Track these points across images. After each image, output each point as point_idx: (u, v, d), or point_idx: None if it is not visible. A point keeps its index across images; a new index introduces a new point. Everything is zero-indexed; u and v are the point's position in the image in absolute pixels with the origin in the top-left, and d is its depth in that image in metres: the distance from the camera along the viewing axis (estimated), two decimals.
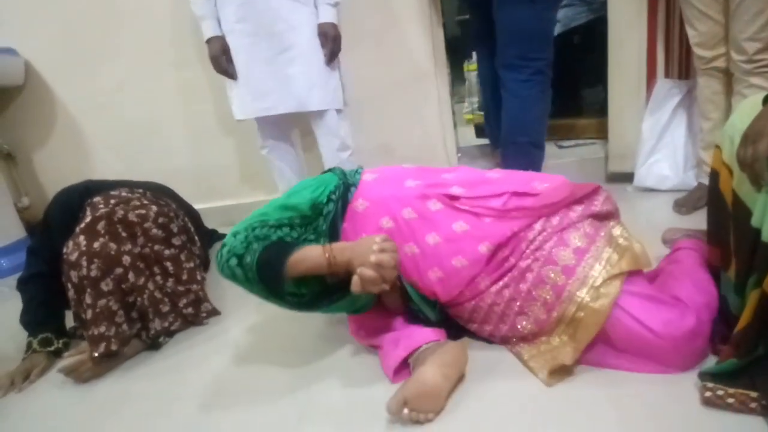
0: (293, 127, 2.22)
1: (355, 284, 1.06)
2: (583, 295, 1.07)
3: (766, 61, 1.55)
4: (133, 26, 2.29)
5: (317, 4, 1.88)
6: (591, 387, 1.07)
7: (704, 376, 1.01)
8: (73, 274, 1.41)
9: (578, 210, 1.16)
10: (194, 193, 2.11)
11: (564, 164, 2.25)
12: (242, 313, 1.64)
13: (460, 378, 1.13)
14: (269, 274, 1.11)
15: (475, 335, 1.25)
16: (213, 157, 2.45)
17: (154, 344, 1.51)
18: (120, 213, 1.52)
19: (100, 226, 1.48)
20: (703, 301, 1.10)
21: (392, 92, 2.15)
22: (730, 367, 0.97)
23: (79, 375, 1.39)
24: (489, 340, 1.24)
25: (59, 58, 2.36)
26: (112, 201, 1.59)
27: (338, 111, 2.00)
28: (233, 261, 1.12)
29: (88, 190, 1.68)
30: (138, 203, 1.61)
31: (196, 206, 2.08)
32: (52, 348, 1.52)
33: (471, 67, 3.84)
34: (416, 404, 1.03)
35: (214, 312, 1.66)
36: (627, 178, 2.11)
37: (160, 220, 1.60)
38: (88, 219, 1.51)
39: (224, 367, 1.39)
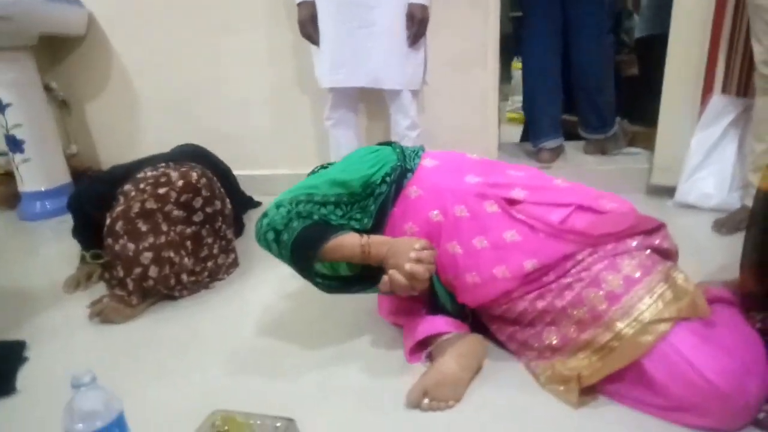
0: (365, 100, 2.24)
1: (384, 285, 1.06)
2: (624, 326, 0.99)
3: None
4: None
5: None
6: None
7: None
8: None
9: (637, 239, 1.08)
10: (234, 158, 2.14)
11: (607, 171, 2.22)
12: (273, 279, 1.68)
13: (478, 369, 1.14)
14: (303, 255, 1.11)
15: (493, 336, 1.22)
16: (259, 125, 2.49)
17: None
18: (137, 207, 1.52)
19: (119, 226, 1.51)
20: (755, 358, 0.96)
21: (441, 80, 2.15)
22: None
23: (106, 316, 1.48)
24: (505, 344, 1.20)
25: (123, 12, 2.42)
26: (141, 185, 1.59)
27: (414, 92, 2.02)
28: (270, 235, 1.12)
29: (117, 177, 1.69)
30: (164, 180, 1.60)
31: (236, 172, 2.13)
32: (101, 261, 1.69)
33: (518, 65, 3.80)
34: (436, 393, 1.04)
35: (234, 264, 1.77)
36: (669, 192, 2.07)
37: (183, 198, 1.60)
38: (111, 217, 1.53)
39: (247, 329, 1.43)
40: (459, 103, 2.26)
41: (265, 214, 1.15)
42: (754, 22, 1.66)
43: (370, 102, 2.27)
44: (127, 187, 1.61)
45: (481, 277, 1.12)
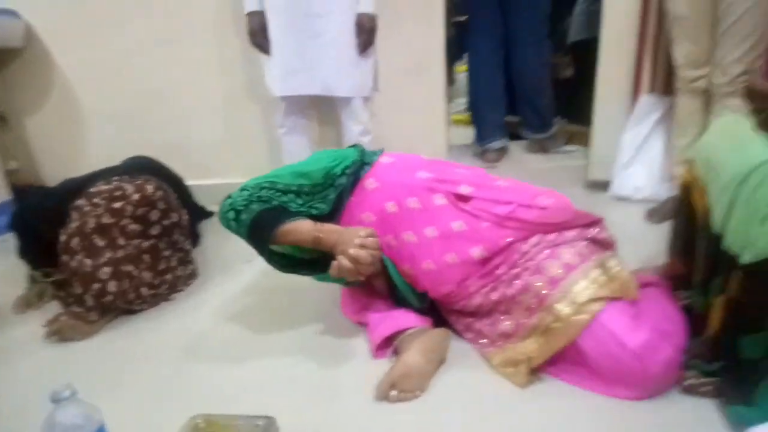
0: (317, 108, 2.28)
1: (333, 269, 1.14)
2: (562, 307, 1.10)
3: (744, 83, 1.66)
4: None
5: None
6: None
7: (690, 366, 1.09)
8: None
9: (576, 231, 1.20)
10: (186, 169, 2.13)
11: (548, 168, 2.36)
12: (233, 288, 1.70)
13: (442, 362, 1.22)
14: (258, 235, 1.20)
15: (452, 326, 1.31)
16: (209, 134, 2.47)
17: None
18: (92, 222, 1.51)
19: (74, 243, 1.49)
20: (676, 333, 1.11)
21: (390, 85, 2.21)
22: (715, 368, 1.07)
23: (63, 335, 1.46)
24: (461, 333, 1.30)
25: (65, 23, 2.34)
26: (95, 200, 1.56)
27: (365, 98, 2.07)
28: (231, 214, 1.22)
29: (69, 192, 1.65)
30: (119, 194, 1.58)
31: (188, 183, 2.12)
32: (52, 279, 1.63)
33: (461, 69, 3.93)
34: (403, 385, 1.11)
35: (193, 275, 1.76)
36: (605, 185, 2.22)
37: (139, 211, 1.58)
38: (66, 234, 1.51)
39: (211, 336, 1.45)
40: (409, 108, 2.34)
41: (229, 196, 1.25)
42: (673, 29, 1.82)
43: (322, 109, 2.31)
44: (80, 202, 1.58)
45: (436, 264, 1.23)
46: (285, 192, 1.25)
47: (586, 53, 2.58)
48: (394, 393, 1.11)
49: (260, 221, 1.19)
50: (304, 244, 1.20)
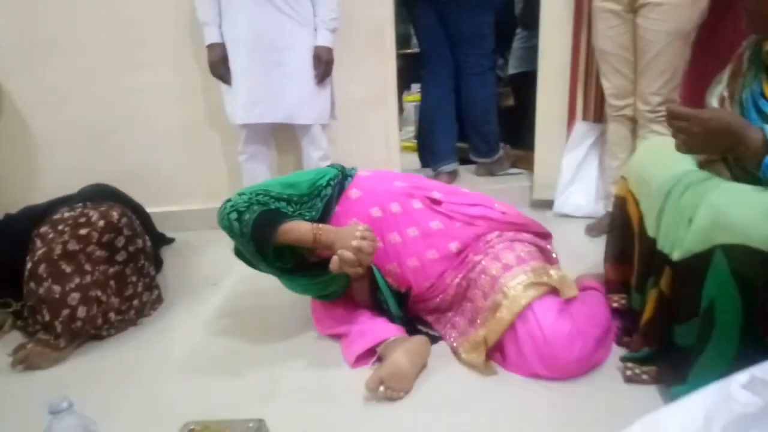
0: (276, 135, 2.35)
1: (334, 263, 1.22)
2: (509, 288, 1.27)
3: (665, 112, 1.89)
4: (99, 22, 2.28)
5: (317, 26, 2.04)
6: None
7: (625, 359, 1.27)
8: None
9: (530, 235, 1.43)
10: (145, 196, 2.14)
11: (496, 189, 2.52)
12: (199, 312, 1.72)
13: (424, 366, 1.31)
14: (261, 233, 1.26)
15: (431, 326, 1.45)
16: (169, 162, 2.48)
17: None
18: (59, 249, 1.50)
19: (41, 270, 1.48)
20: (594, 332, 1.28)
21: (347, 113, 2.32)
22: (644, 354, 1.24)
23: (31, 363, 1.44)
24: (441, 331, 1.43)
25: (17, 48, 2.29)
26: (60, 227, 1.56)
27: (323, 125, 2.18)
28: (233, 215, 1.27)
29: (31, 219, 1.65)
30: (84, 220, 1.58)
31: (148, 210, 2.12)
32: (12, 309, 1.61)
33: (409, 98, 4.13)
34: (391, 383, 1.20)
35: (158, 300, 1.78)
36: (548, 204, 2.40)
37: (105, 238, 1.58)
38: (32, 260, 1.51)
39: (179, 351, 1.50)
40: (365, 135, 2.45)
41: (228, 200, 1.31)
42: (601, 63, 2.04)
43: (282, 136, 2.38)
44: (44, 229, 1.57)
45: (420, 261, 1.38)
46: (278, 199, 1.34)
47: (524, 84, 2.81)
48: (382, 389, 1.19)
49: (263, 220, 1.25)
50: (303, 242, 1.28)
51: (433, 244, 1.39)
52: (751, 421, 0.64)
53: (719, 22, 1.88)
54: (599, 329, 1.30)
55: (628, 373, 1.24)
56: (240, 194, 1.32)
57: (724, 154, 1.14)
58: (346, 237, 1.24)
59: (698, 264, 1.05)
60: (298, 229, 1.27)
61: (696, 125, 1.05)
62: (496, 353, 1.32)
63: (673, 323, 1.17)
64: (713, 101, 1.25)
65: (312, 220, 1.35)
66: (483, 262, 1.34)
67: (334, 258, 1.22)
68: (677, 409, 0.70)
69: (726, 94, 1.21)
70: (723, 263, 1.00)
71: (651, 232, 1.22)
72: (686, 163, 1.20)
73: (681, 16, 1.77)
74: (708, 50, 1.88)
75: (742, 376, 0.80)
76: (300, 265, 1.37)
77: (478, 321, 1.32)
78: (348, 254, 1.21)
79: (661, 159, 1.28)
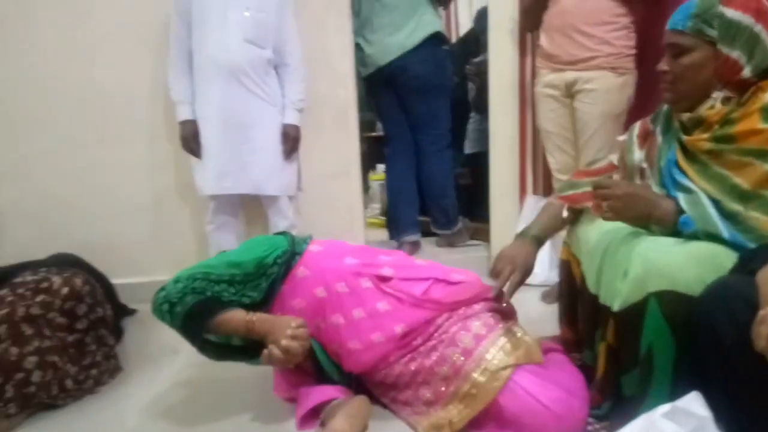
0: (244, 206, 2.42)
1: (264, 357, 1.24)
2: (477, 375, 1.25)
3: None
4: (70, 96, 2.37)
5: (285, 106, 2.20)
6: None
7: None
8: None
9: (482, 303, 1.38)
10: (111, 267, 2.14)
11: (455, 260, 2.63)
12: (157, 382, 1.70)
13: (365, 427, 1.30)
14: (192, 327, 1.27)
15: (377, 399, 1.42)
16: (134, 233, 2.50)
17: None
18: (21, 311, 1.50)
19: (2, 330, 1.47)
20: (580, 388, 1.31)
21: (314, 187, 2.44)
22: (605, 410, 1.29)
23: None
24: (387, 405, 1.41)
25: None
26: (20, 290, 1.55)
27: (290, 197, 2.28)
28: (166, 306, 1.27)
29: None
30: (46, 285, 1.58)
31: (113, 281, 2.12)
32: None
33: (375, 177, 4.31)
34: None
35: (117, 369, 1.74)
36: None
37: (67, 305, 1.58)
38: None
39: (135, 423, 1.47)
40: (330, 208, 2.55)
41: (162, 288, 1.30)
42: (546, 142, 2.24)
43: (249, 207, 2.45)
44: (3, 292, 1.56)
45: (361, 343, 1.35)
46: (218, 282, 1.33)
47: (479, 163, 3.01)
48: None
49: (194, 313, 1.25)
50: (237, 333, 1.28)
51: (378, 326, 1.34)
52: None
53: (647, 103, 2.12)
54: (580, 383, 1.32)
55: (590, 429, 1.27)
56: (175, 281, 1.30)
57: (645, 221, 1.20)
58: (279, 332, 1.23)
59: (636, 313, 1.12)
60: (232, 321, 1.27)
61: (617, 189, 1.18)
62: None
63: (620, 373, 1.23)
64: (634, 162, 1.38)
65: (254, 301, 1.36)
66: (439, 348, 1.31)
67: (265, 352, 1.23)
68: None
69: (645, 165, 1.35)
70: (656, 310, 1.09)
71: (593, 288, 1.31)
72: (618, 222, 1.32)
73: (610, 101, 2.00)
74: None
75: (664, 407, 0.88)
76: (240, 346, 1.36)
77: (438, 404, 1.30)
78: (277, 353, 1.21)
79: (596, 221, 1.37)
